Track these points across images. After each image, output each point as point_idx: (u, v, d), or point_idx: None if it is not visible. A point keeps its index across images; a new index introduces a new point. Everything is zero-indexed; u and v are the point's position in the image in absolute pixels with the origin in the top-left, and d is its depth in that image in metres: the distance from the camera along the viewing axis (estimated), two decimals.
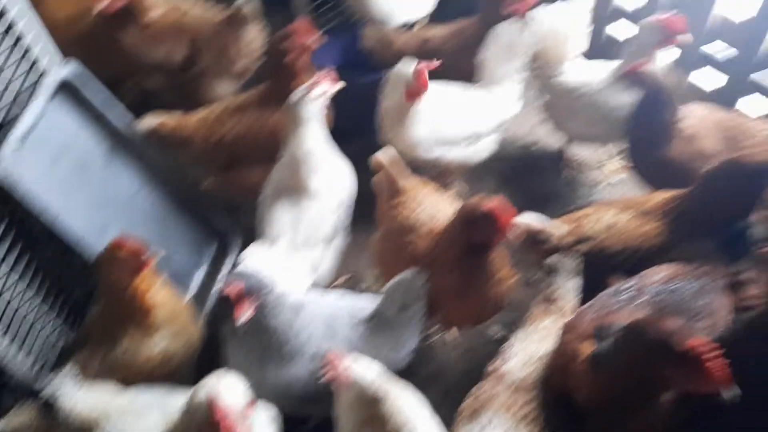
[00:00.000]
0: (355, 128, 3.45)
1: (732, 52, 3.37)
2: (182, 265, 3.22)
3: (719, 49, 3.44)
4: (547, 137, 3.86)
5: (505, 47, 3.06)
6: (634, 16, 3.72)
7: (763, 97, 3.33)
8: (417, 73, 2.81)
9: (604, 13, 3.84)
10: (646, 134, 2.85)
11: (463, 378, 2.89)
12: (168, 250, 2.72)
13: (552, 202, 3.56)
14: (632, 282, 2.27)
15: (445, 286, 2.45)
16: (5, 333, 2.51)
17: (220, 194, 3.34)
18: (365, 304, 2.52)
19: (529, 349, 2.36)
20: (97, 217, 3.00)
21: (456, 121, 3.08)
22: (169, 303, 2.52)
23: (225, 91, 3.56)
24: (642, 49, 3.02)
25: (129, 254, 2.33)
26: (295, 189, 2.77)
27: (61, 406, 2.02)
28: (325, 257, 2.86)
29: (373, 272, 3.32)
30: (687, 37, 2.99)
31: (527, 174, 3.75)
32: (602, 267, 2.49)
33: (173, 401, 2.11)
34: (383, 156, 2.70)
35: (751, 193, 2.33)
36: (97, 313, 2.56)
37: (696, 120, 2.83)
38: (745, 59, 3.28)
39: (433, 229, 2.58)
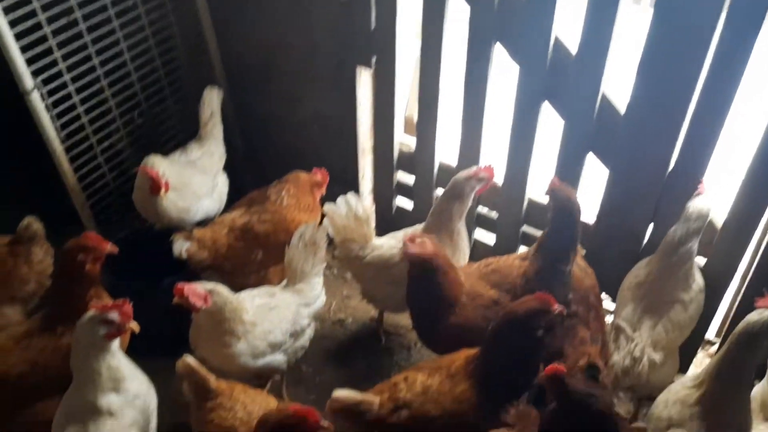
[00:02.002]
0: (162, 339, 3.35)
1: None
2: None
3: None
4: (358, 311, 4.00)
5: (310, 245, 3.20)
6: (414, 190, 4.12)
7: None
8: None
9: (390, 189, 4.20)
10: (428, 308, 3.01)
11: None
12: None
13: (375, 372, 3.61)
14: None
15: None
16: None
17: None
18: None
19: None
20: None
21: (276, 326, 3.09)
22: None
23: (12, 318, 3.27)
24: (459, 200, 3.29)
25: None
26: (84, 411, 2.55)
27: None
28: None
29: None
30: (498, 183, 3.35)
31: (348, 349, 3.80)
32: None
33: None
34: (191, 359, 2.60)
35: (530, 339, 2.51)
36: None
37: (466, 279, 3.06)
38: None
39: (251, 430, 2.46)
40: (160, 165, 3.47)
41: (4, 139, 3.93)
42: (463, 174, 3.30)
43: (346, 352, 3.79)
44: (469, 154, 3.65)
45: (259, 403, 2.58)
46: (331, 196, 3.51)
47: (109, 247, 2.89)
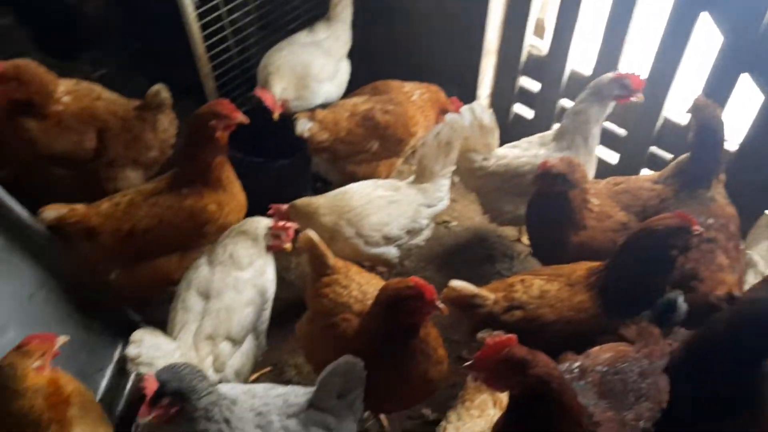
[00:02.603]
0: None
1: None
2: (85, 367, 2.93)
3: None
4: (463, 215, 3.95)
5: (444, 144, 3.11)
6: (537, 97, 3.93)
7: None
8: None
9: (510, 95, 4.02)
10: (553, 226, 2.88)
11: None
12: (70, 352, 2.48)
13: (476, 276, 3.55)
14: (578, 362, 2.22)
15: (376, 372, 2.32)
16: None
17: (128, 288, 3.08)
18: (298, 393, 2.35)
19: (465, 428, 2.29)
20: None
21: (393, 220, 3.09)
22: (80, 397, 2.29)
23: (133, 182, 3.39)
24: (600, 102, 3.12)
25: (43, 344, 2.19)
26: (209, 280, 2.69)
27: None
28: (236, 354, 2.72)
29: (296, 362, 3.21)
30: (640, 96, 3.10)
31: (451, 251, 3.77)
32: (536, 337, 2.44)
33: None
34: (313, 234, 2.63)
35: (664, 257, 2.38)
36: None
37: (595, 196, 2.91)
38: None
39: (364, 310, 2.50)
40: (277, 84, 3.45)
41: (141, 7, 3.97)
42: (608, 75, 3.10)
43: (448, 253, 3.76)
44: (607, 62, 3.42)
45: (374, 285, 2.59)
46: None
47: (240, 117, 2.90)
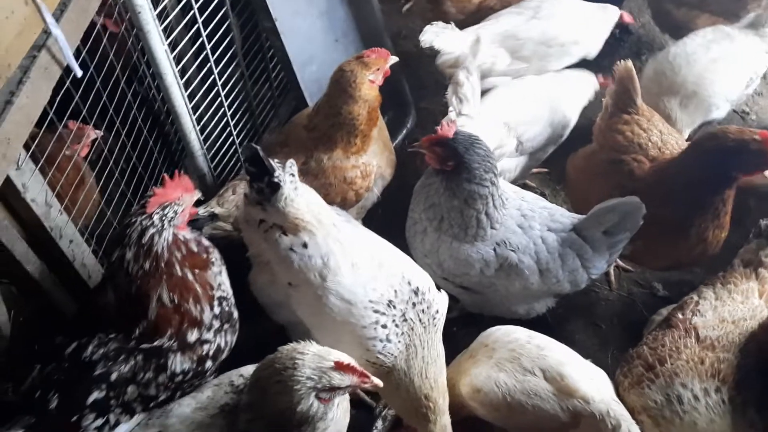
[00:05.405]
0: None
1: None
2: None
3: None
4: (764, 110, 3.56)
5: None
6: None
7: None
8: None
9: None
10: None
11: (614, 318, 2.82)
12: None
13: None
14: None
15: (658, 217, 2.23)
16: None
17: None
18: (564, 214, 2.37)
19: (723, 309, 2.17)
20: (306, 49, 2.96)
21: (720, 80, 2.88)
22: (381, 122, 2.51)
23: None
24: None
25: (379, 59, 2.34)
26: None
27: (284, 192, 1.88)
28: (519, 162, 2.79)
29: (542, 192, 3.18)
30: None
31: None
32: None
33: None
34: (631, 65, 2.49)
35: None
36: (316, 121, 2.46)
37: None
38: None
39: (659, 157, 2.40)
40: None
41: None
42: None
43: None
44: None
45: (676, 139, 2.47)
46: None
47: None
